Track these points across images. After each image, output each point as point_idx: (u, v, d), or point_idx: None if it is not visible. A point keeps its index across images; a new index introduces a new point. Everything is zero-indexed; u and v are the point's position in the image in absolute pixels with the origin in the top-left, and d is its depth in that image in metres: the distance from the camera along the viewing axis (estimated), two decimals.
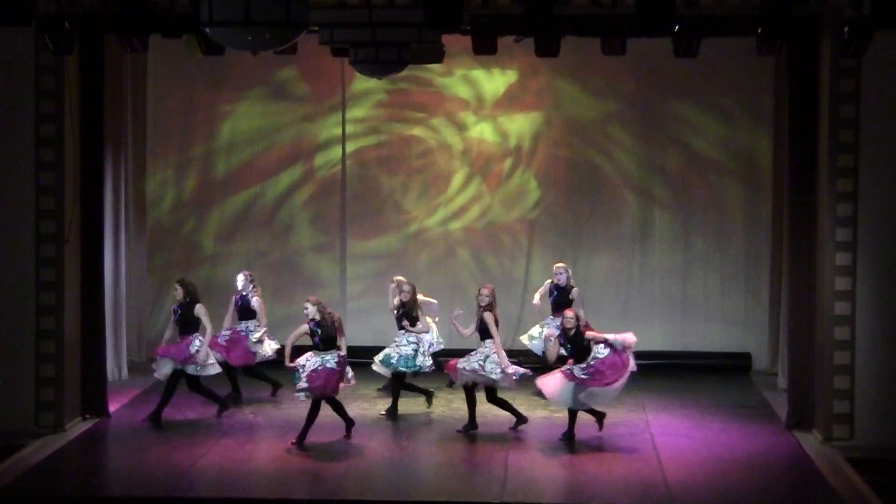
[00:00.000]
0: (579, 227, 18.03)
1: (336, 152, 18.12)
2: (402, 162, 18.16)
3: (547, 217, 18.07)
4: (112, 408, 14.93)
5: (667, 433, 14.20)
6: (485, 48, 14.69)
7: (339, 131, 18.06)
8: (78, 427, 14.35)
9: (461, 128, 18.09)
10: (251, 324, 15.47)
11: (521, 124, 18.02)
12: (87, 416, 14.61)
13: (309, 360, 13.62)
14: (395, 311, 15.18)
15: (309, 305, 13.65)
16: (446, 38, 14.37)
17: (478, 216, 18.15)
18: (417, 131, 18.13)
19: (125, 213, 17.01)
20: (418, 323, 15.11)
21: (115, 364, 16.67)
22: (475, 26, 13.97)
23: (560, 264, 16.08)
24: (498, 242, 18.17)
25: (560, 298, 15.82)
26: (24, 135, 14.05)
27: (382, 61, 13.61)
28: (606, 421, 14.37)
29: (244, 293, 15.54)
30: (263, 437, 13.98)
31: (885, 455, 13.69)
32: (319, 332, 13.59)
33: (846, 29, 12.88)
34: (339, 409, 13.90)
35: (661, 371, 17.32)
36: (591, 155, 17.97)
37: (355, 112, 18.09)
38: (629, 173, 17.96)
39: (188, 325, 14.56)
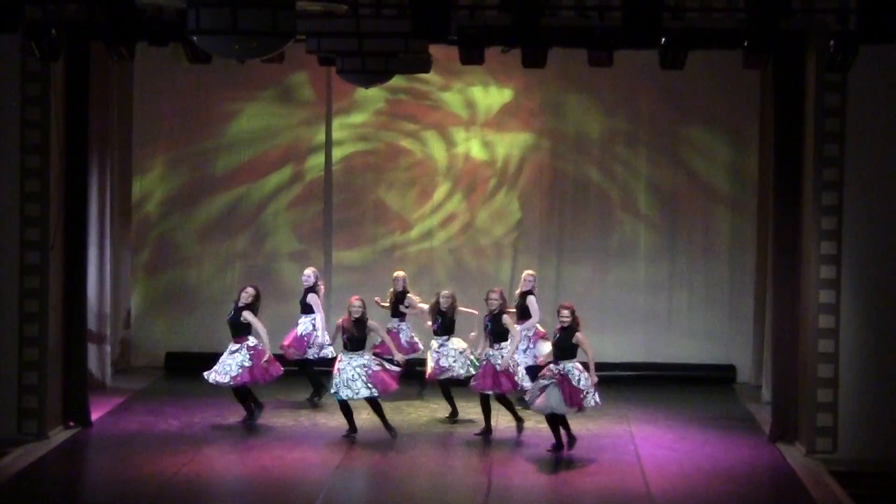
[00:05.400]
0: (564, 239, 18.04)
1: (321, 159, 18.11)
2: (390, 172, 18.16)
3: (532, 229, 18.08)
4: (95, 415, 14.88)
5: (651, 445, 14.21)
6: (472, 59, 14.70)
7: (324, 139, 18.07)
8: (61, 435, 14.30)
9: (451, 140, 18.10)
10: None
11: (510, 139, 18.03)
12: (71, 423, 14.56)
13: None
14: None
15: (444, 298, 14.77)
16: (442, 51, 14.43)
17: (463, 227, 18.14)
18: (406, 142, 18.14)
19: (110, 220, 16.97)
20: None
21: (99, 371, 16.62)
22: (462, 37, 13.98)
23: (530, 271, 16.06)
24: (482, 253, 18.16)
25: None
26: (9, 141, 14.01)
27: (369, 71, 13.62)
28: (589, 432, 14.43)
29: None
30: (246, 447, 13.95)
31: (867, 468, 13.72)
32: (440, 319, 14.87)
33: (832, 43, 12.94)
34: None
35: (645, 383, 17.39)
36: (577, 169, 17.99)
37: (344, 120, 18.10)
38: (614, 186, 17.98)
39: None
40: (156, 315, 18.16)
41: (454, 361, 14.90)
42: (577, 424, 14.97)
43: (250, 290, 14.82)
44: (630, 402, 16.19)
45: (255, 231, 18.21)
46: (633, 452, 13.90)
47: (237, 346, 14.67)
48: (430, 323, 15.18)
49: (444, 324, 15.00)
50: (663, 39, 13.13)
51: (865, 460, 13.86)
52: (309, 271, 16.06)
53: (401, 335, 16.01)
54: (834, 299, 13.96)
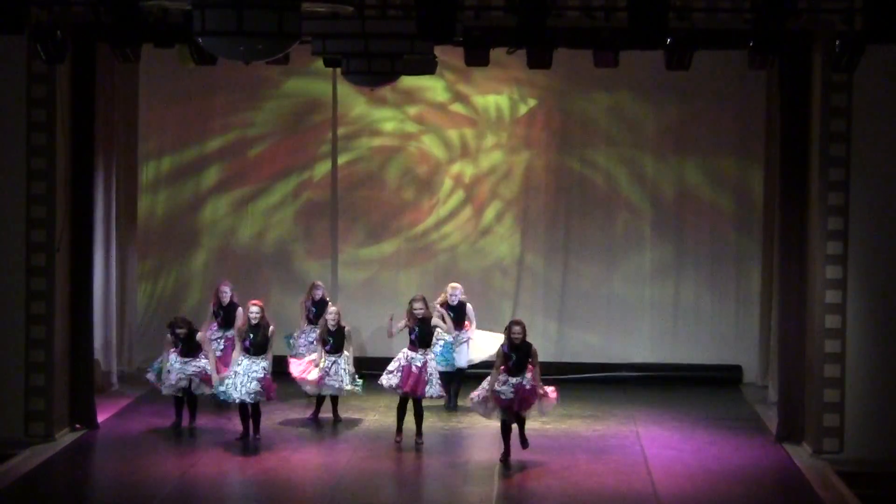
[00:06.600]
0: (570, 241, 18.02)
1: (327, 161, 18.13)
2: (396, 173, 18.16)
3: (537, 232, 18.07)
4: (101, 417, 14.90)
5: (657, 446, 14.21)
6: (477, 59, 14.72)
7: (330, 141, 18.08)
8: (67, 437, 14.32)
9: (455, 141, 18.09)
10: None
11: (515, 140, 18.02)
12: (77, 426, 14.58)
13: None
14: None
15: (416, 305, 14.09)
16: (449, 54, 14.43)
17: (469, 228, 18.14)
18: (411, 143, 18.14)
19: (116, 222, 16.98)
20: None
21: (105, 373, 16.60)
22: (468, 38, 13.99)
23: (456, 285, 15.81)
24: (488, 255, 18.16)
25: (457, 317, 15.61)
26: (15, 143, 14.03)
27: (374, 72, 13.62)
28: (597, 433, 14.41)
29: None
30: (251, 449, 13.94)
31: (874, 468, 13.72)
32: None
33: (838, 43, 12.93)
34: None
35: (651, 383, 17.39)
36: (582, 171, 17.97)
37: (350, 122, 18.11)
38: (622, 188, 17.96)
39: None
40: (162, 317, 18.14)
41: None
42: (583, 425, 15.01)
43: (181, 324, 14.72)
44: (636, 403, 16.19)
45: (261, 233, 18.22)
46: (640, 453, 13.90)
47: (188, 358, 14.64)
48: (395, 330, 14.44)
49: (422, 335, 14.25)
50: (669, 40, 13.12)
51: (872, 460, 13.85)
52: (227, 287, 15.67)
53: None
54: (840, 299, 13.96)
